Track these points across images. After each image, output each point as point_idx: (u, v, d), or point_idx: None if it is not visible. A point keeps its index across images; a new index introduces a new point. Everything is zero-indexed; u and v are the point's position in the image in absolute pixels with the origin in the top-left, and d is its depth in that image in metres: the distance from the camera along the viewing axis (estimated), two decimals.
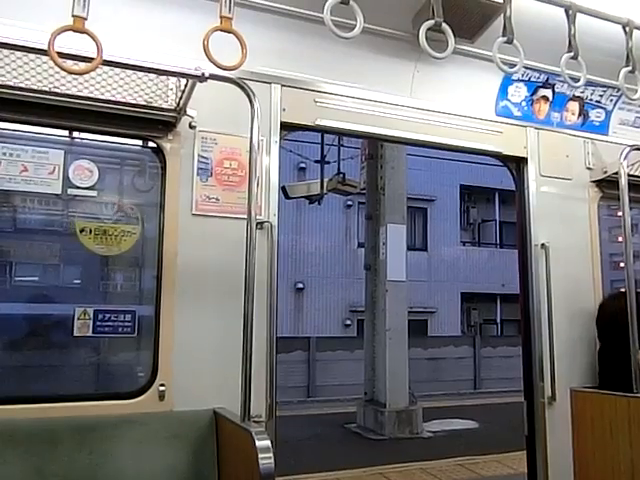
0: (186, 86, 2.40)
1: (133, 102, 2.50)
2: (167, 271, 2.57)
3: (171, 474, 2.34)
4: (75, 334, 2.61)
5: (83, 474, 2.22)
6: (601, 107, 3.61)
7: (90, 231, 2.65)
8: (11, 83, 2.32)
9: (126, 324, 2.67)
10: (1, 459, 2.13)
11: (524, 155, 3.44)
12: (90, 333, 2.62)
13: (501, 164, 3.60)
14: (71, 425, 2.28)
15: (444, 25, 2.31)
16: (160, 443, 2.36)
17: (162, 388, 2.48)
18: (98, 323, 2.61)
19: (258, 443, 1.89)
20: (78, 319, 2.59)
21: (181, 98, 2.49)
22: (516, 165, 3.51)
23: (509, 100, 3.38)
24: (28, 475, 2.14)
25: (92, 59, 1.86)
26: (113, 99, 2.47)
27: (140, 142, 2.75)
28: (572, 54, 2.54)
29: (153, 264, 2.65)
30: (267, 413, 2.60)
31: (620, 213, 3.07)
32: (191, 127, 2.65)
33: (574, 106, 3.54)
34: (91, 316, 2.60)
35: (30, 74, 2.33)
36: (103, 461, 2.26)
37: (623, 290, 3.02)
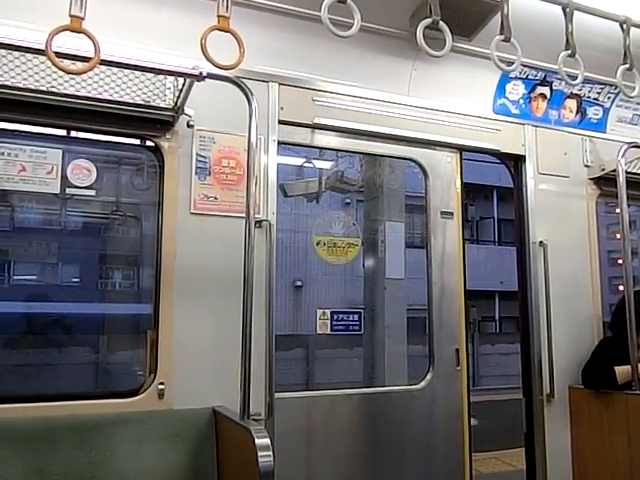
0: (184, 85, 2.40)
1: (131, 101, 2.50)
2: (166, 270, 2.57)
3: (170, 472, 2.35)
4: (318, 332, 3.13)
5: (83, 472, 2.23)
6: (599, 104, 3.62)
7: (324, 244, 3.11)
8: (9, 83, 2.31)
9: (354, 323, 3.17)
10: (1, 458, 2.13)
11: (522, 153, 3.45)
12: (328, 331, 3.11)
13: (499, 162, 3.61)
14: (71, 423, 2.28)
15: (441, 23, 2.31)
16: (160, 441, 2.36)
17: (161, 386, 2.49)
18: (334, 323, 3.10)
19: (257, 441, 1.90)
20: (319, 319, 3.08)
21: (179, 97, 2.49)
22: (514, 163, 3.52)
23: (507, 98, 3.38)
24: (28, 474, 2.15)
25: (90, 59, 1.86)
26: (111, 98, 2.46)
27: (138, 141, 2.75)
28: (569, 52, 2.53)
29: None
30: (266, 411, 2.61)
31: (618, 210, 3.07)
32: (189, 126, 2.65)
33: (572, 104, 3.55)
34: (329, 317, 3.10)
35: (28, 74, 2.32)
36: (103, 459, 2.26)
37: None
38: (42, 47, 1.80)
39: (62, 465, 2.20)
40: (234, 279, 2.38)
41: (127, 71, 2.38)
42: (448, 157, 3.35)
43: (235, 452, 2.22)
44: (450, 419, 3.14)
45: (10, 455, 2.14)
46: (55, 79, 2.36)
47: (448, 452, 3.11)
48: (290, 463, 2.73)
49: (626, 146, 3.11)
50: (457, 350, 3.22)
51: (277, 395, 2.68)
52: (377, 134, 3.12)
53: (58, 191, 2.60)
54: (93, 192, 2.76)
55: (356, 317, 3.18)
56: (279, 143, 2.88)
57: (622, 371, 2.98)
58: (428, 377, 3.15)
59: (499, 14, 2.44)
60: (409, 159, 3.33)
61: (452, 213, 3.31)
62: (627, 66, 2.67)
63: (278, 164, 2.86)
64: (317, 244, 3.11)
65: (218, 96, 2.53)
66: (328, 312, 3.11)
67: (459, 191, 3.37)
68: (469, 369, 3.27)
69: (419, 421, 3.08)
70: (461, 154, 3.39)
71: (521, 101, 3.41)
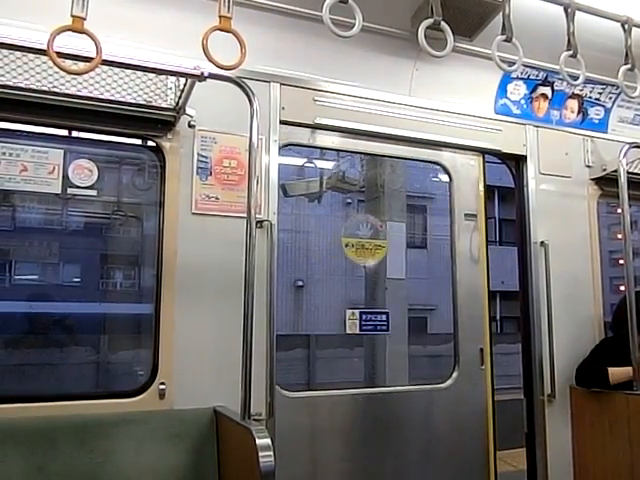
0: (185, 85, 2.40)
1: (132, 101, 2.50)
2: (167, 270, 2.57)
3: (171, 472, 2.35)
4: (347, 332, 3.17)
5: (84, 472, 2.23)
6: (600, 105, 3.61)
7: (352, 245, 3.21)
8: (10, 83, 2.31)
9: (382, 323, 3.23)
10: (3, 457, 2.13)
11: (523, 153, 3.45)
12: (358, 331, 3.17)
13: (500, 162, 3.61)
14: (72, 423, 2.28)
15: (443, 23, 2.31)
16: (160, 441, 2.37)
17: (162, 387, 2.49)
18: (363, 322, 3.17)
19: (258, 441, 1.90)
20: (349, 319, 3.15)
21: (180, 97, 2.49)
22: (515, 163, 3.52)
23: (508, 98, 3.38)
24: (29, 473, 2.15)
25: (91, 59, 1.86)
26: (112, 98, 2.47)
27: (139, 141, 2.75)
28: (571, 52, 2.53)
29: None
30: (267, 411, 2.61)
31: (619, 210, 3.07)
32: (190, 126, 2.65)
33: (573, 104, 3.55)
34: (358, 317, 3.16)
35: (29, 74, 2.33)
36: (104, 459, 2.26)
37: None
38: (44, 47, 1.80)
39: (63, 465, 2.20)
40: (235, 279, 2.38)
41: (128, 71, 2.38)
42: (471, 160, 3.41)
43: (236, 452, 2.22)
44: (475, 418, 3.19)
45: (11, 454, 2.14)
46: (57, 79, 2.36)
47: (473, 450, 3.16)
48: (318, 459, 2.83)
49: (627, 146, 3.10)
50: (481, 350, 3.25)
51: (299, 394, 2.82)
52: (378, 134, 3.12)
53: (59, 191, 2.60)
54: (94, 192, 2.76)
55: (384, 317, 3.25)
56: (286, 145, 2.92)
57: (616, 372, 2.98)
58: (454, 376, 3.19)
59: (500, 14, 2.43)
60: (434, 162, 3.38)
61: (475, 215, 3.37)
62: (629, 66, 2.66)
63: (280, 165, 2.87)
64: (345, 246, 3.22)
65: (219, 96, 2.54)
66: (357, 312, 3.18)
67: (482, 194, 3.41)
68: None
69: (445, 420, 3.13)
70: (484, 157, 3.45)
71: (522, 101, 3.41)
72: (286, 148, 2.98)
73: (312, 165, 4.00)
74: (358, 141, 3.15)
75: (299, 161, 3.74)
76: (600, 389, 3.04)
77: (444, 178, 3.42)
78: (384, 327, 3.24)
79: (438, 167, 3.40)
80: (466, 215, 3.36)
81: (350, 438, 2.93)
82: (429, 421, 3.10)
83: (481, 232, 3.38)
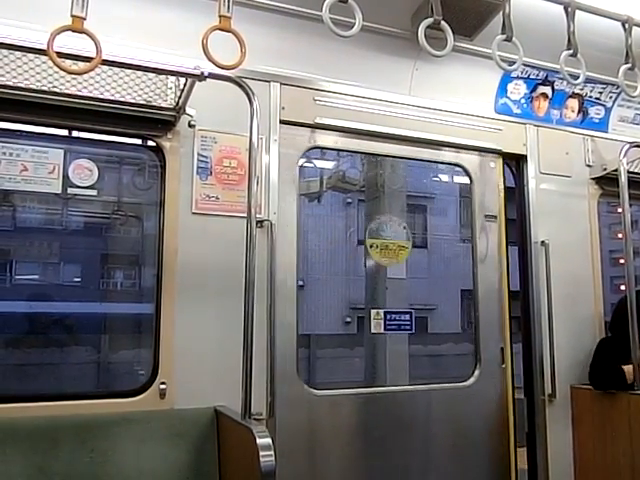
0: (185, 85, 2.40)
1: (132, 101, 2.50)
2: (167, 269, 2.57)
3: (172, 472, 2.35)
4: (372, 331, 3.27)
5: (84, 472, 2.23)
6: (601, 104, 3.61)
7: (377, 246, 3.24)
8: (10, 83, 2.31)
9: (406, 323, 3.28)
10: (4, 456, 2.13)
11: (524, 152, 3.45)
12: (382, 330, 3.23)
13: None
14: (73, 423, 2.29)
15: (443, 23, 2.31)
16: (161, 441, 2.37)
17: (163, 386, 2.49)
18: (387, 322, 3.22)
19: (259, 441, 1.90)
20: (373, 319, 3.20)
21: (180, 97, 2.49)
22: (516, 162, 3.52)
23: (508, 97, 3.38)
24: (30, 473, 2.15)
25: (91, 59, 1.86)
26: (112, 98, 2.47)
27: (139, 141, 2.75)
28: (571, 51, 2.53)
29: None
30: (268, 411, 2.61)
31: (620, 210, 3.07)
32: (190, 126, 2.65)
33: (573, 103, 3.54)
34: (382, 316, 3.21)
35: (29, 74, 2.33)
36: (104, 459, 2.26)
37: None
38: (44, 47, 1.80)
39: (64, 464, 2.20)
40: (236, 279, 2.39)
41: (128, 71, 2.38)
42: (492, 162, 3.46)
43: (237, 452, 2.22)
44: (496, 415, 3.23)
45: (12, 454, 2.15)
46: (57, 79, 2.36)
47: (494, 447, 3.21)
48: (345, 456, 2.89)
49: (628, 146, 3.11)
50: (502, 349, 3.30)
51: (329, 392, 2.91)
52: (378, 134, 3.12)
53: (60, 191, 2.60)
54: (95, 192, 2.77)
55: (407, 317, 3.29)
56: (312, 148, 3.03)
57: (629, 370, 2.98)
58: (475, 374, 3.23)
59: (500, 13, 2.43)
60: (455, 164, 3.42)
61: (495, 216, 3.43)
62: (629, 65, 2.66)
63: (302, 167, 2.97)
64: (370, 246, 3.26)
65: (220, 96, 2.53)
66: (382, 312, 3.23)
67: (502, 195, 3.46)
68: None
69: (467, 417, 3.17)
70: (503, 159, 3.49)
71: (523, 101, 3.41)
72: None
73: (311, 165, 4.00)
74: (374, 143, 3.17)
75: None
76: (617, 389, 3.01)
77: (460, 179, 3.48)
78: (407, 326, 3.30)
79: (458, 168, 3.45)
80: (486, 216, 3.41)
81: (376, 435, 2.97)
82: (452, 418, 3.14)
83: (501, 233, 3.42)
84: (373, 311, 3.24)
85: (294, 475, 2.69)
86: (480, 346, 3.28)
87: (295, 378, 2.80)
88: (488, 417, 3.21)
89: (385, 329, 3.23)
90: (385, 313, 3.23)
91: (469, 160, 3.40)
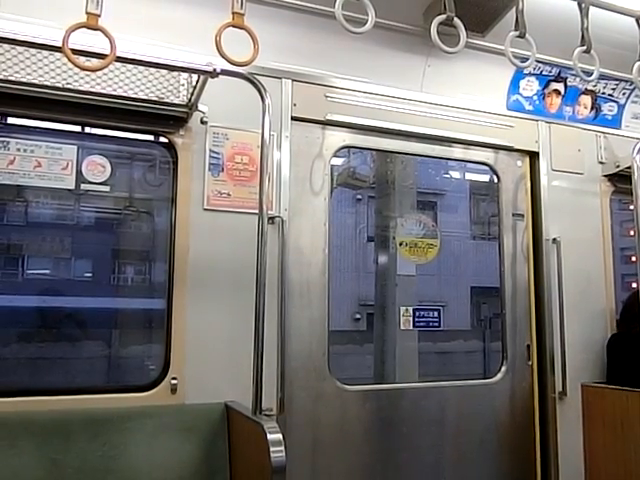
0: (197, 82, 2.41)
1: (145, 98, 2.51)
2: (179, 265, 2.59)
3: (183, 466, 2.37)
4: (401, 328, 3.32)
5: (97, 465, 2.25)
6: (614, 101, 3.59)
7: (406, 244, 3.32)
8: (25, 80, 2.33)
9: (434, 320, 3.35)
10: (17, 449, 2.16)
11: (536, 149, 3.43)
12: (411, 327, 3.29)
13: None
14: (85, 417, 2.31)
15: (456, 19, 2.29)
16: (172, 436, 2.39)
17: (174, 381, 2.51)
18: (416, 319, 3.29)
19: (270, 436, 1.91)
20: (402, 316, 3.27)
21: (192, 94, 2.50)
22: (528, 159, 3.50)
23: (520, 94, 3.36)
24: (44, 466, 2.18)
25: (105, 56, 1.87)
26: (125, 95, 2.48)
27: (152, 137, 2.77)
28: (585, 47, 2.50)
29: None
30: (278, 407, 2.62)
31: (632, 207, 3.05)
32: (202, 122, 2.66)
33: (586, 100, 3.52)
34: (411, 313, 3.27)
35: (44, 70, 2.34)
36: (116, 453, 2.28)
37: None
38: (59, 44, 1.81)
39: (77, 458, 2.22)
40: (247, 275, 2.39)
41: (141, 68, 2.38)
42: (519, 161, 3.47)
43: (247, 447, 2.23)
44: (522, 412, 3.27)
45: (26, 447, 2.17)
46: (71, 76, 2.37)
47: (519, 444, 3.24)
48: (379, 449, 2.95)
49: None
50: (528, 346, 3.32)
51: (358, 387, 2.97)
52: (389, 130, 3.12)
53: (73, 187, 2.63)
54: (107, 188, 2.79)
55: (436, 314, 3.34)
56: (343, 148, 3.10)
57: None
58: (502, 370, 3.27)
59: (513, 10, 2.41)
60: (483, 163, 3.44)
61: (522, 215, 3.43)
62: None
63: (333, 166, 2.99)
64: (400, 244, 3.33)
65: (232, 92, 2.54)
66: (411, 309, 3.28)
67: (529, 193, 3.46)
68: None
69: (494, 412, 3.22)
70: (531, 158, 3.50)
71: (535, 97, 3.39)
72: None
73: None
74: (406, 143, 3.22)
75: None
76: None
77: (475, 177, 3.51)
78: (436, 323, 3.34)
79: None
80: (514, 215, 3.42)
81: (404, 431, 3.02)
82: (479, 414, 3.18)
83: (528, 231, 3.42)
84: (402, 308, 3.29)
85: (328, 470, 2.80)
86: (507, 343, 3.29)
87: (327, 374, 2.85)
88: (514, 413, 3.25)
89: (414, 326, 3.28)
90: (414, 310, 3.28)
91: (495, 158, 3.41)
